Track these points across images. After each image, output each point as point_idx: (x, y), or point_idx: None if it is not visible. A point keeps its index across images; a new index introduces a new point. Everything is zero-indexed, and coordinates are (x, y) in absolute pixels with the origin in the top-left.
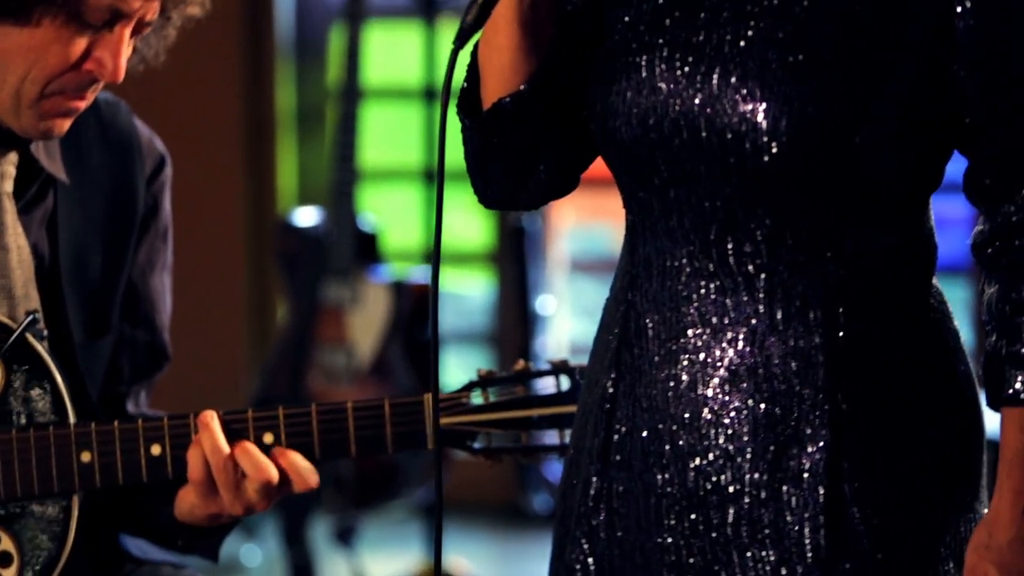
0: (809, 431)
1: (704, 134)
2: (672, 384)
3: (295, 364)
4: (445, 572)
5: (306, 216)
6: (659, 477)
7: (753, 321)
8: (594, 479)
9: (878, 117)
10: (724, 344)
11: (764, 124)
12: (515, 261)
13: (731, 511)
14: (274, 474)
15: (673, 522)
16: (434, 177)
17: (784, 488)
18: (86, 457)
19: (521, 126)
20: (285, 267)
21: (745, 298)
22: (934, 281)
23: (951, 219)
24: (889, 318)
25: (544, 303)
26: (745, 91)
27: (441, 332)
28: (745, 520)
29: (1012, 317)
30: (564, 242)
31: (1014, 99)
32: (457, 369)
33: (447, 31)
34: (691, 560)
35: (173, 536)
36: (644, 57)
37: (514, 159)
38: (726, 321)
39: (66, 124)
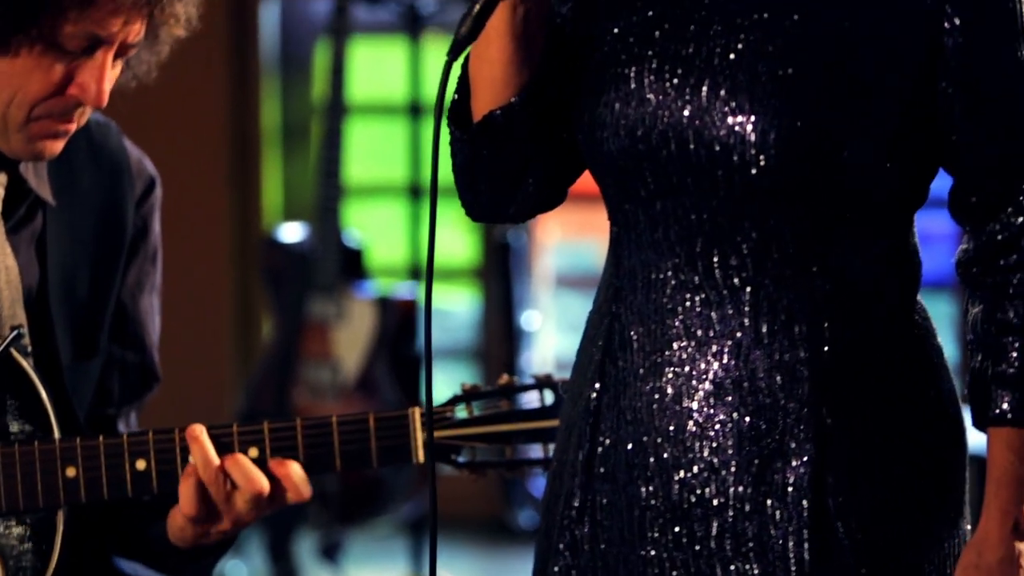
0: (794, 445)
1: (692, 146)
2: (657, 397)
3: (280, 380)
4: None
5: (291, 232)
6: (643, 489)
7: (738, 334)
8: (578, 491)
9: (866, 132)
10: (709, 357)
11: (753, 137)
12: (500, 277)
13: (715, 524)
14: (265, 485)
15: (657, 535)
16: (419, 193)
17: (768, 502)
18: (71, 472)
19: (511, 139)
20: (270, 283)
21: (730, 311)
22: (918, 297)
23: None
24: (874, 333)
25: (529, 319)
26: (734, 104)
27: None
28: (729, 533)
29: (997, 337)
30: (549, 258)
31: (1001, 117)
32: (442, 384)
33: (432, 47)
34: (674, 573)
35: (166, 558)
36: (633, 69)
37: (503, 171)
38: (711, 334)
39: (58, 145)
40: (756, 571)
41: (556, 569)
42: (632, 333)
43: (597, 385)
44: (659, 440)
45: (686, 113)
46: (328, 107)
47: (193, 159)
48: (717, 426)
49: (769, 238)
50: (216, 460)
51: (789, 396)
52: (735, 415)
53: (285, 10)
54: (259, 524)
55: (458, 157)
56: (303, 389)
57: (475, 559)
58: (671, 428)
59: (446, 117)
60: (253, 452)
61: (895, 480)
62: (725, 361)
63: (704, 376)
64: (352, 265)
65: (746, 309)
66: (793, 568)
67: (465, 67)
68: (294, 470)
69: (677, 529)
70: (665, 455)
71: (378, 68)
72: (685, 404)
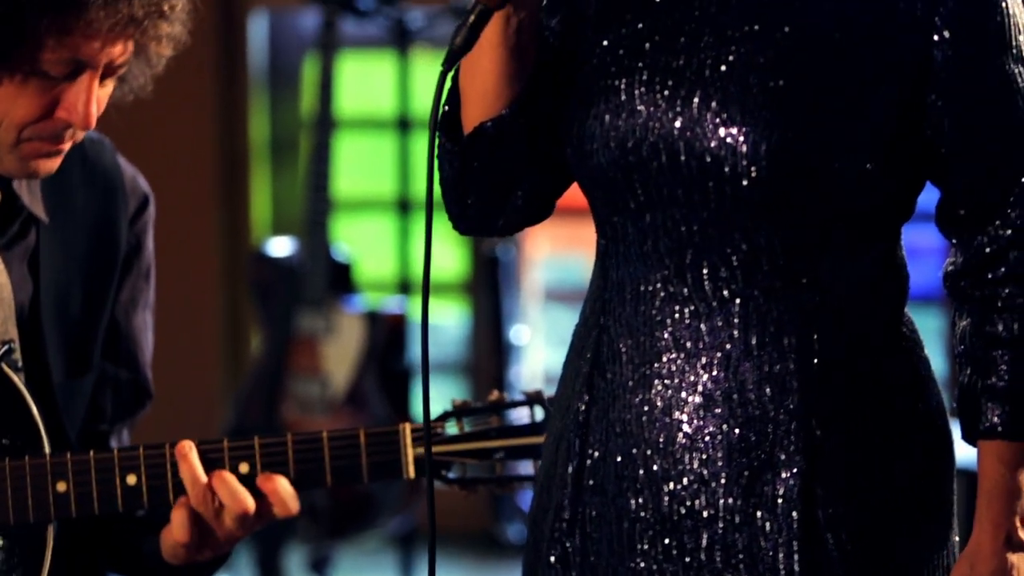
0: (783, 456)
1: (683, 158)
2: (646, 409)
3: (269, 394)
4: None
5: (280, 246)
6: (633, 502)
7: (728, 346)
8: (567, 504)
9: (857, 144)
10: (699, 369)
11: (744, 148)
12: (489, 291)
13: (705, 536)
14: (251, 504)
15: (647, 547)
16: (408, 207)
17: (758, 513)
18: (62, 487)
19: (501, 151)
20: (259, 297)
21: (720, 323)
22: (906, 310)
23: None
24: (862, 345)
25: (518, 333)
26: (725, 115)
27: (416, 362)
28: (719, 545)
29: (986, 350)
30: (538, 272)
31: (989, 130)
32: (432, 398)
33: (420, 61)
34: None
35: (159, 575)
36: (623, 81)
37: (493, 184)
38: (701, 346)
39: (53, 163)
40: None
41: None
42: (621, 345)
43: (586, 397)
44: (649, 452)
45: (677, 125)
46: (316, 121)
47: (181, 173)
48: (707, 438)
49: (759, 250)
50: (203, 478)
51: (778, 408)
52: (725, 427)
53: (273, 25)
54: (249, 538)
55: (447, 169)
56: (292, 403)
57: (464, 572)
58: (661, 440)
59: (438, 127)
60: (243, 468)
61: (884, 492)
62: (714, 373)
63: (693, 388)
64: (341, 279)
65: (735, 321)
66: None
67: (456, 79)
68: (282, 485)
69: (667, 541)
70: (655, 467)
71: (366, 82)
72: (675, 416)
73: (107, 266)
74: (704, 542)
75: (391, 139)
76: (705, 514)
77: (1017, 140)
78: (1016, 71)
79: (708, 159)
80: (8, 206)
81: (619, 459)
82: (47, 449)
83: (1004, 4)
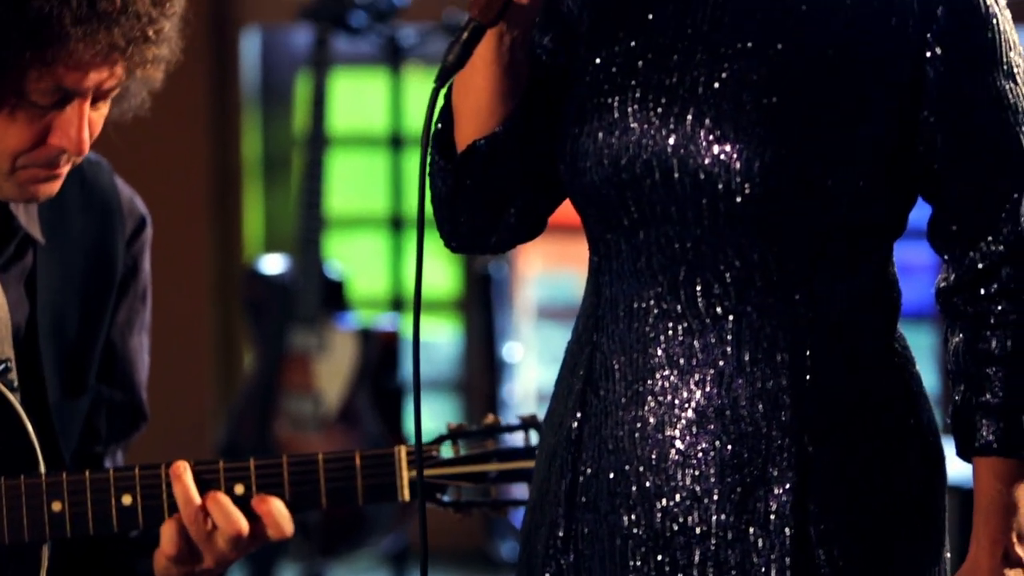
0: (776, 473)
1: (677, 175)
2: (639, 425)
3: (262, 411)
4: None
5: (272, 264)
6: (625, 518)
7: (721, 363)
8: (561, 521)
9: (850, 160)
10: (691, 386)
11: (738, 165)
12: (482, 308)
13: (698, 552)
14: (244, 526)
15: (639, 563)
16: (401, 224)
17: (751, 529)
18: (57, 507)
19: (494, 168)
20: (252, 315)
21: (713, 340)
22: (898, 326)
23: (916, 266)
24: (855, 361)
25: (511, 350)
26: (719, 132)
27: (409, 379)
28: (712, 561)
29: (979, 367)
30: (531, 289)
31: (981, 147)
32: (425, 416)
33: (413, 79)
34: None
35: None
36: (616, 98)
37: (485, 201)
38: (694, 363)
39: (53, 187)
40: None
41: None
42: (614, 362)
43: (578, 414)
44: (641, 469)
45: (671, 142)
46: (309, 139)
47: (174, 191)
48: (699, 454)
49: (752, 266)
50: (197, 500)
51: (771, 424)
52: (717, 443)
53: (266, 42)
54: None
55: (440, 186)
56: (284, 421)
57: None
58: (653, 457)
59: (430, 145)
60: (239, 489)
61: (876, 508)
62: (707, 390)
63: (686, 405)
64: (333, 297)
65: (729, 338)
66: None
67: (449, 97)
68: (276, 507)
69: (660, 558)
70: (647, 484)
71: (359, 100)
72: (667, 433)
73: (104, 288)
74: (697, 558)
75: (384, 156)
76: (698, 530)
77: (1009, 156)
78: (1007, 87)
79: (702, 176)
80: (4, 227)
81: (612, 476)
82: (42, 468)
83: (995, 21)
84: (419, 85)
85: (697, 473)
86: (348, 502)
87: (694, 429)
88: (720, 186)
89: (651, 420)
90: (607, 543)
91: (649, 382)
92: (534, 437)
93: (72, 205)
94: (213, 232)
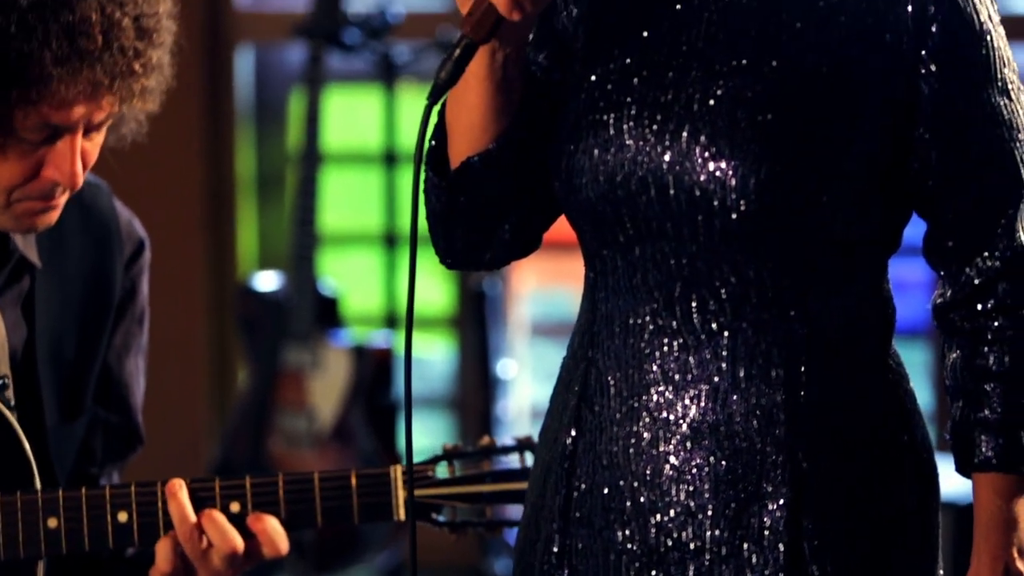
0: (770, 488)
1: (672, 191)
2: (633, 441)
3: (256, 428)
4: None
5: (266, 280)
6: (620, 533)
7: (716, 379)
8: (556, 536)
9: (845, 177)
10: (686, 401)
11: (733, 182)
12: (476, 325)
13: (692, 568)
14: (239, 543)
15: None
16: (394, 241)
17: (745, 545)
18: (52, 523)
19: (489, 185)
20: (245, 331)
21: (708, 356)
22: (892, 343)
23: (911, 283)
24: (849, 377)
25: (505, 367)
26: (714, 149)
27: (402, 396)
28: None
29: (977, 383)
30: (525, 306)
31: (976, 162)
32: (418, 433)
33: (406, 96)
34: None
35: None
36: (612, 115)
37: (479, 218)
38: (689, 379)
39: (50, 217)
40: None
41: None
42: (609, 378)
43: (573, 430)
44: (636, 484)
45: (666, 159)
46: (303, 156)
47: (168, 208)
48: (694, 470)
49: (747, 283)
50: (192, 517)
51: (766, 440)
52: (712, 459)
53: (259, 59)
54: None
55: (434, 203)
56: (278, 438)
57: None
58: (648, 472)
59: (424, 162)
60: (234, 507)
61: (870, 525)
62: (702, 405)
63: (681, 420)
64: (327, 313)
65: (724, 354)
66: None
67: (442, 113)
68: (271, 525)
69: (654, 573)
70: (642, 499)
71: (353, 117)
72: (662, 448)
73: (101, 311)
74: (691, 574)
75: (377, 173)
76: (692, 546)
77: (1004, 172)
78: (1002, 103)
79: (697, 193)
80: (0, 250)
81: (606, 491)
82: (38, 485)
83: (989, 37)
84: (413, 102)
85: (691, 489)
86: (343, 521)
87: (689, 445)
88: (715, 203)
89: (646, 436)
90: (601, 558)
91: (644, 398)
92: (529, 458)
93: (71, 228)
94: (206, 249)
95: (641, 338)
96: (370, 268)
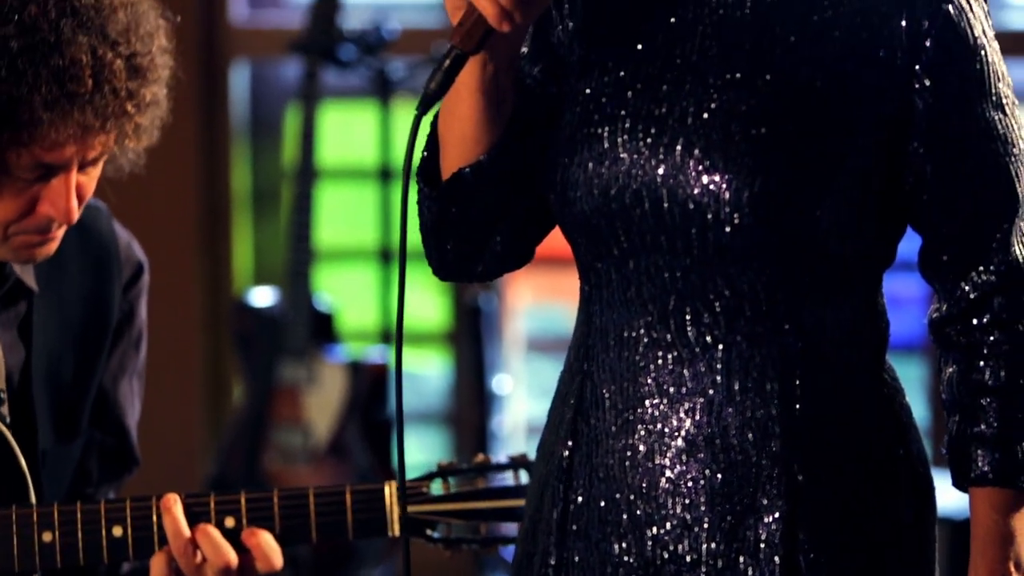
0: (766, 501)
1: (666, 205)
2: (629, 454)
3: (251, 444)
4: None
5: (262, 296)
6: (616, 546)
7: (710, 392)
8: (553, 550)
9: (839, 191)
10: (681, 414)
11: (727, 196)
12: (471, 340)
13: None
14: (233, 558)
15: None
16: (390, 257)
17: (741, 558)
18: (47, 537)
19: (480, 196)
20: (241, 347)
21: (702, 368)
22: (886, 357)
23: (906, 298)
24: (844, 391)
25: (501, 383)
26: (708, 163)
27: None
28: None
29: (973, 398)
30: (521, 321)
31: (970, 176)
32: (414, 449)
33: (402, 111)
34: None
35: None
36: (606, 128)
37: (471, 229)
38: (683, 391)
39: (49, 248)
40: None
41: None
42: (604, 391)
43: (569, 443)
44: (632, 497)
45: (660, 172)
46: (298, 171)
47: (163, 223)
48: (690, 483)
49: (741, 296)
50: (187, 532)
51: (761, 453)
52: (707, 472)
53: (255, 75)
54: None
55: (426, 215)
56: (274, 454)
57: None
58: (644, 485)
59: (415, 174)
60: (229, 522)
61: (866, 538)
62: (697, 418)
63: (676, 433)
64: (323, 329)
65: (718, 367)
66: None
67: (434, 125)
68: (265, 540)
69: None
70: (638, 512)
71: (348, 132)
72: (657, 461)
73: (99, 334)
74: None
75: (373, 189)
76: (688, 559)
77: (998, 186)
78: (996, 118)
79: (691, 206)
80: None
81: (602, 504)
82: (33, 498)
83: (983, 52)
84: (408, 118)
85: (688, 501)
86: (338, 536)
87: (684, 457)
88: (709, 216)
89: (641, 448)
90: (598, 571)
91: (639, 410)
92: (524, 476)
93: (70, 251)
94: (202, 265)
95: (636, 351)
96: (366, 284)
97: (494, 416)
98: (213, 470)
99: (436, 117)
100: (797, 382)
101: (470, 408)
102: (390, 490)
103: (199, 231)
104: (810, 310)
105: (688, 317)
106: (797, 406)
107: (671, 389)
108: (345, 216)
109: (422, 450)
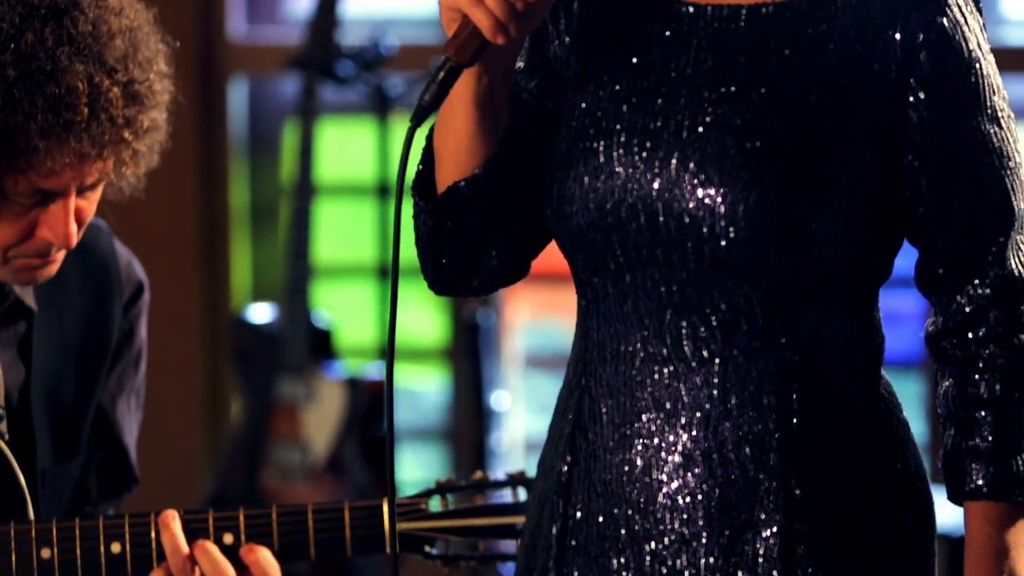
0: (763, 516)
1: (662, 219)
2: (627, 469)
3: (249, 461)
4: None
5: (260, 312)
6: (615, 561)
7: (707, 406)
8: (552, 566)
9: (834, 204)
10: (678, 429)
11: (722, 209)
12: (469, 357)
13: None
14: (232, 575)
15: None
16: (388, 273)
17: (739, 573)
18: (46, 553)
19: (475, 210)
20: (239, 364)
21: (699, 383)
22: (882, 372)
23: (902, 314)
24: (841, 405)
25: (499, 399)
26: (703, 176)
27: (396, 429)
28: None
29: (969, 411)
30: (518, 337)
31: (965, 190)
32: (412, 466)
33: (400, 127)
34: None
35: None
36: (602, 143)
37: (466, 243)
38: (680, 406)
39: (49, 271)
40: None
41: None
42: (602, 406)
43: (568, 458)
44: (630, 512)
45: (655, 186)
46: (296, 187)
47: (161, 239)
48: (687, 498)
49: (738, 310)
50: (185, 548)
51: (758, 467)
52: (705, 487)
53: (253, 91)
54: None
55: (421, 229)
56: (272, 470)
57: None
58: (641, 500)
59: (410, 187)
60: (228, 538)
61: (863, 552)
62: (694, 433)
63: (673, 448)
64: (321, 346)
65: (715, 381)
66: None
67: (429, 138)
68: (264, 557)
69: None
70: (636, 527)
71: (346, 149)
72: (655, 476)
73: (99, 354)
74: None
75: (371, 205)
76: (686, 573)
77: (993, 199)
78: (991, 131)
79: (687, 220)
80: None
81: (601, 519)
82: (31, 515)
83: (978, 65)
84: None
85: (685, 516)
86: (336, 553)
87: (681, 472)
88: (705, 230)
89: (639, 463)
90: None
91: (636, 425)
92: (522, 493)
93: (70, 271)
94: (200, 281)
95: (632, 365)
96: (364, 300)
97: (492, 432)
98: (211, 486)
99: (431, 131)
100: (794, 396)
101: (468, 424)
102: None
103: (197, 247)
104: (806, 324)
105: (684, 331)
106: (794, 420)
107: (668, 404)
108: (343, 232)
109: (420, 466)
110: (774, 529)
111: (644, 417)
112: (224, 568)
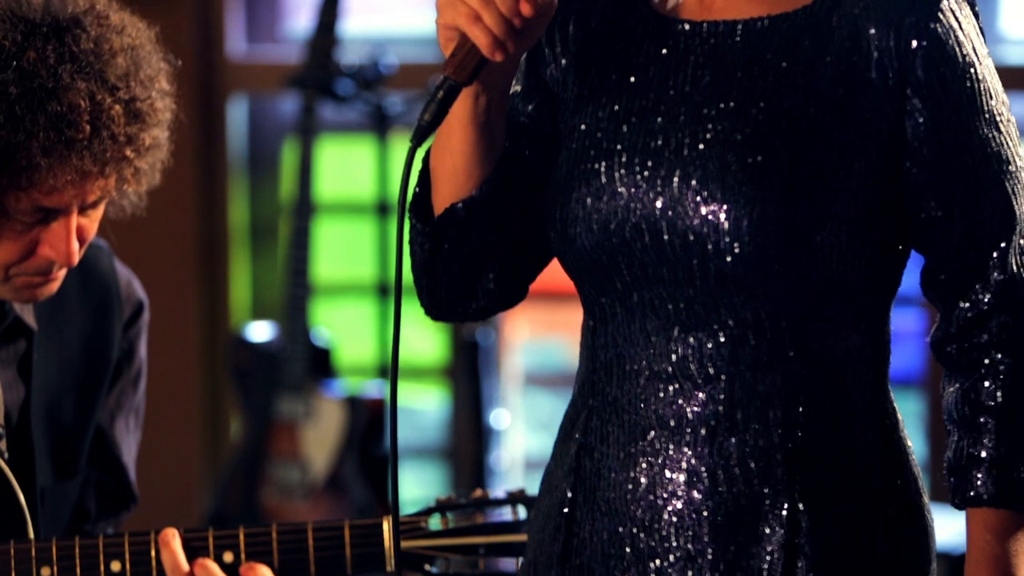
0: (767, 531)
1: (666, 237)
2: (631, 487)
3: (249, 479)
4: None
5: (259, 331)
6: None
7: (712, 422)
8: None
9: (837, 216)
10: (683, 446)
11: (726, 225)
12: (469, 375)
13: None
14: None
15: None
16: (388, 291)
17: None
18: (46, 572)
19: (472, 232)
20: (238, 382)
21: (704, 399)
22: (888, 387)
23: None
24: (846, 419)
25: (499, 417)
26: (706, 193)
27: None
28: None
29: (972, 417)
30: (518, 356)
31: (965, 196)
32: (412, 484)
33: (400, 146)
34: None
35: None
36: (603, 163)
37: (463, 266)
38: (684, 423)
39: (50, 288)
40: None
41: None
42: (608, 426)
43: (572, 478)
44: (635, 530)
45: (658, 204)
46: (296, 206)
47: (161, 258)
48: (692, 515)
49: (745, 325)
50: (185, 567)
51: (763, 481)
52: (710, 504)
53: (252, 110)
54: None
55: (418, 251)
56: (272, 489)
57: None
58: (646, 518)
59: (408, 209)
60: (228, 557)
61: (864, 567)
62: (699, 449)
63: (678, 465)
64: (320, 364)
65: (721, 397)
66: None
67: (426, 160)
68: (264, 575)
69: None
70: (641, 545)
71: (346, 167)
72: (659, 494)
73: (99, 373)
74: None
75: (371, 223)
76: None
77: (994, 204)
78: (990, 136)
79: (691, 237)
80: None
81: (606, 537)
82: (31, 534)
83: (974, 70)
84: (405, 152)
85: (690, 534)
86: (336, 571)
87: (686, 490)
88: (709, 246)
89: (643, 482)
90: None
91: (641, 443)
92: (522, 511)
93: (70, 290)
94: (200, 299)
95: (637, 384)
96: (363, 318)
97: (492, 451)
98: (211, 505)
99: (427, 153)
100: (800, 409)
101: (468, 443)
102: (388, 525)
103: (197, 265)
104: (815, 336)
105: (691, 349)
106: (799, 433)
107: (672, 421)
108: (343, 251)
109: (419, 485)
110: (778, 543)
111: (649, 435)
112: None
